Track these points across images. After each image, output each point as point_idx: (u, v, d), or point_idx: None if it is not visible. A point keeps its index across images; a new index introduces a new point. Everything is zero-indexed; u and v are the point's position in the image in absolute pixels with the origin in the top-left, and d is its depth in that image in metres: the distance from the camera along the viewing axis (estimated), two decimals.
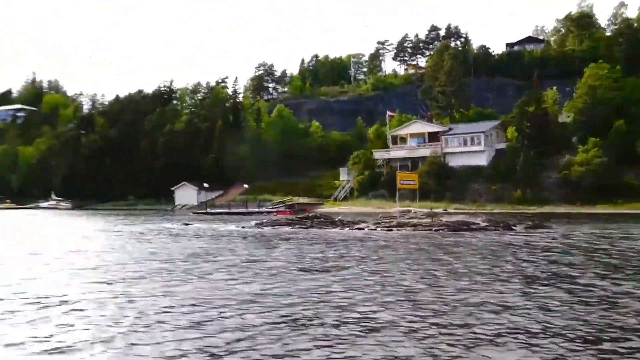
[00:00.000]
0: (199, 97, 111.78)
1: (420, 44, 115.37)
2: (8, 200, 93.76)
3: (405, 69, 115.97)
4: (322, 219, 33.95)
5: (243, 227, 33.86)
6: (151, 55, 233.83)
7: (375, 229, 29.21)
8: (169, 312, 9.25)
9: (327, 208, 61.65)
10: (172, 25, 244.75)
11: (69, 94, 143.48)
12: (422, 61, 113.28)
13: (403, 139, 71.73)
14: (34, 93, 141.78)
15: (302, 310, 9.28)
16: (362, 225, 30.94)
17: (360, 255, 17.87)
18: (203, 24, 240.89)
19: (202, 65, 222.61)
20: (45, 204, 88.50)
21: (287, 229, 31.56)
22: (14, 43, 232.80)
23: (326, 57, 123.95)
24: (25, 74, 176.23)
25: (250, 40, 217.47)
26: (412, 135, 71.19)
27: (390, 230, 28.56)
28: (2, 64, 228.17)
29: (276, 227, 33.00)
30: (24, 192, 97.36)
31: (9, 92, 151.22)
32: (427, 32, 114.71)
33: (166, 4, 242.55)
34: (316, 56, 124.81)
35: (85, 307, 9.64)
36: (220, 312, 9.13)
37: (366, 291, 11.06)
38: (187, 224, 38.82)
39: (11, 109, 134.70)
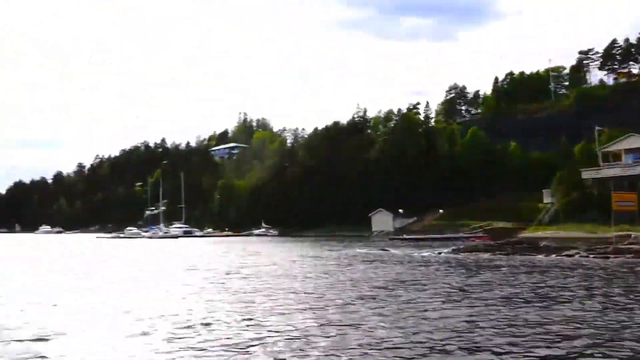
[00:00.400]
0: (392, 125, 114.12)
1: (632, 49, 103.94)
2: (227, 229, 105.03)
3: (615, 78, 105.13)
4: (524, 245, 32.16)
5: (439, 253, 33.42)
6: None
7: (587, 256, 26.75)
8: (387, 339, 9.34)
9: (529, 233, 57.91)
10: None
11: (275, 129, 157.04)
12: (635, 68, 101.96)
13: (616, 156, 64.72)
14: (245, 131, 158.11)
15: (537, 347, 8.63)
16: (571, 251, 28.54)
17: (578, 285, 16.47)
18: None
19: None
20: (257, 232, 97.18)
21: (486, 255, 30.40)
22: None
23: (522, 73, 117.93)
24: (236, 115, 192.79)
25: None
26: (627, 151, 63.89)
27: (607, 257, 25.92)
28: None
29: (474, 253, 32.00)
30: (239, 222, 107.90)
31: (225, 132, 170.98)
32: (639, 35, 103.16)
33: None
34: (511, 73, 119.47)
35: (308, 333, 9.97)
36: (438, 342, 8.95)
37: (606, 329, 9.89)
38: (384, 250, 39.57)
39: (227, 147, 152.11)
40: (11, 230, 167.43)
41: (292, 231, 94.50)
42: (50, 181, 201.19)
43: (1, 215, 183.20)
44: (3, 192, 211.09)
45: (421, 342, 9.05)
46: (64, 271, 26.52)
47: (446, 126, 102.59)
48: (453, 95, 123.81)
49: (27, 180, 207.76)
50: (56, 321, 11.64)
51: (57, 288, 18.61)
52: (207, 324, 11.12)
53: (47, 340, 9.85)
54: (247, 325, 10.88)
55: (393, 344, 9.02)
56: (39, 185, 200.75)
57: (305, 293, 15.95)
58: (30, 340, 9.84)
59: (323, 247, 45.97)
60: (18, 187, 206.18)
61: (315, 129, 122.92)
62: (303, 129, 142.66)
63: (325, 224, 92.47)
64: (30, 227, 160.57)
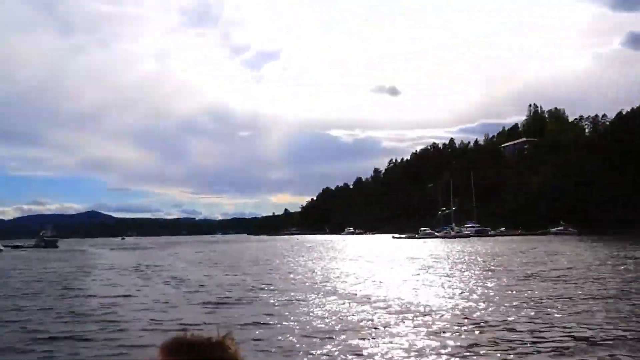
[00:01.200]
0: None
1: None
2: (520, 228, 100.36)
3: None
4: None
5: None
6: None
7: None
8: None
9: None
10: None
11: (570, 119, 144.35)
12: None
13: None
14: (536, 124, 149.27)
15: None
16: None
17: None
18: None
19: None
20: (554, 230, 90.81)
21: None
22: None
23: None
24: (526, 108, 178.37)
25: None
26: None
27: None
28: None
29: None
30: (534, 220, 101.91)
31: (515, 126, 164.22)
32: None
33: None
34: None
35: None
36: None
37: None
38: None
39: (517, 142, 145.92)
40: (322, 232, 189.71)
41: (594, 230, 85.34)
42: (351, 186, 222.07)
43: (314, 219, 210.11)
44: (315, 197, 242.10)
45: None
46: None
47: None
48: None
49: (332, 186, 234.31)
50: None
51: None
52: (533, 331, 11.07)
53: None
54: (543, 330, 10.62)
55: None
56: (342, 190, 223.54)
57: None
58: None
59: (625, 251, 40.42)
60: (326, 193, 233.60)
61: (619, 113, 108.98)
62: (604, 115, 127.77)
63: (635, 221, 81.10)
64: (336, 229, 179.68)
